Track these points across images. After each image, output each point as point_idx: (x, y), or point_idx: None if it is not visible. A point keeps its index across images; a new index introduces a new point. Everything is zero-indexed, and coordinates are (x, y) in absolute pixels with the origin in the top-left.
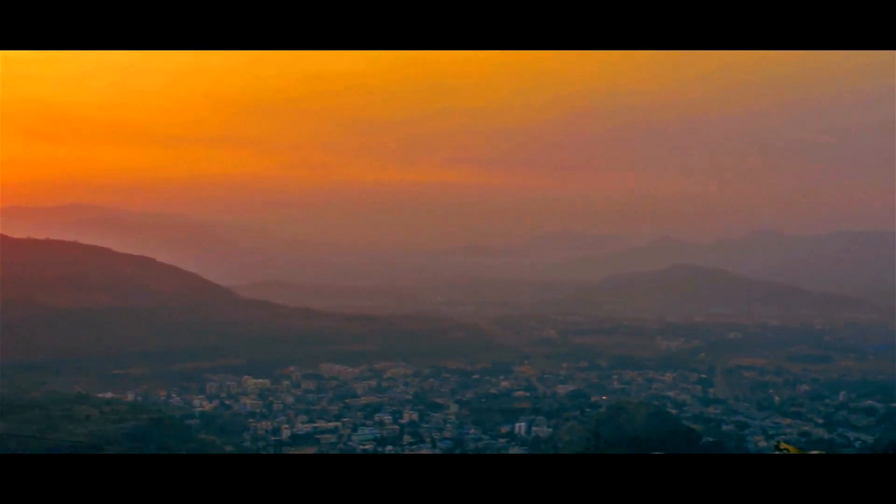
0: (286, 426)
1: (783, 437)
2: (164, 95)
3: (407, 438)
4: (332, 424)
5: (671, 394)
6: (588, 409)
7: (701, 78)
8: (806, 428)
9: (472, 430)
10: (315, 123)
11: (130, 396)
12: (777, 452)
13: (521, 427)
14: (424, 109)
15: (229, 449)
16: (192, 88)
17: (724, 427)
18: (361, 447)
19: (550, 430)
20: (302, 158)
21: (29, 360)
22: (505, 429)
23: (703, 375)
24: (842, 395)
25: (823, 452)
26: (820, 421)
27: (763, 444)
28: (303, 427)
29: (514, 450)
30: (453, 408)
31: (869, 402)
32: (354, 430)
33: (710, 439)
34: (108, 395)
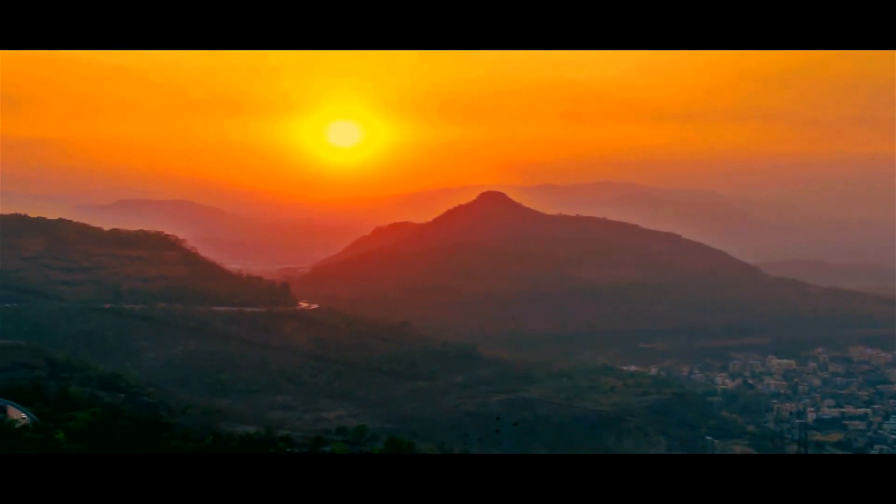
0: (811, 409)
1: None
2: (681, 71)
3: None
4: (860, 411)
5: None
6: None
7: None
8: None
9: None
10: (840, 95)
11: (654, 370)
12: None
13: None
14: None
15: (751, 429)
16: (707, 63)
17: None
18: (893, 437)
19: None
20: (830, 131)
21: (559, 331)
22: None
23: None
24: None
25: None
26: None
27: None
28: (829, 412)
29: None
30: None
31: None
32: (886, 418)
33: None
34: (632, 367)
